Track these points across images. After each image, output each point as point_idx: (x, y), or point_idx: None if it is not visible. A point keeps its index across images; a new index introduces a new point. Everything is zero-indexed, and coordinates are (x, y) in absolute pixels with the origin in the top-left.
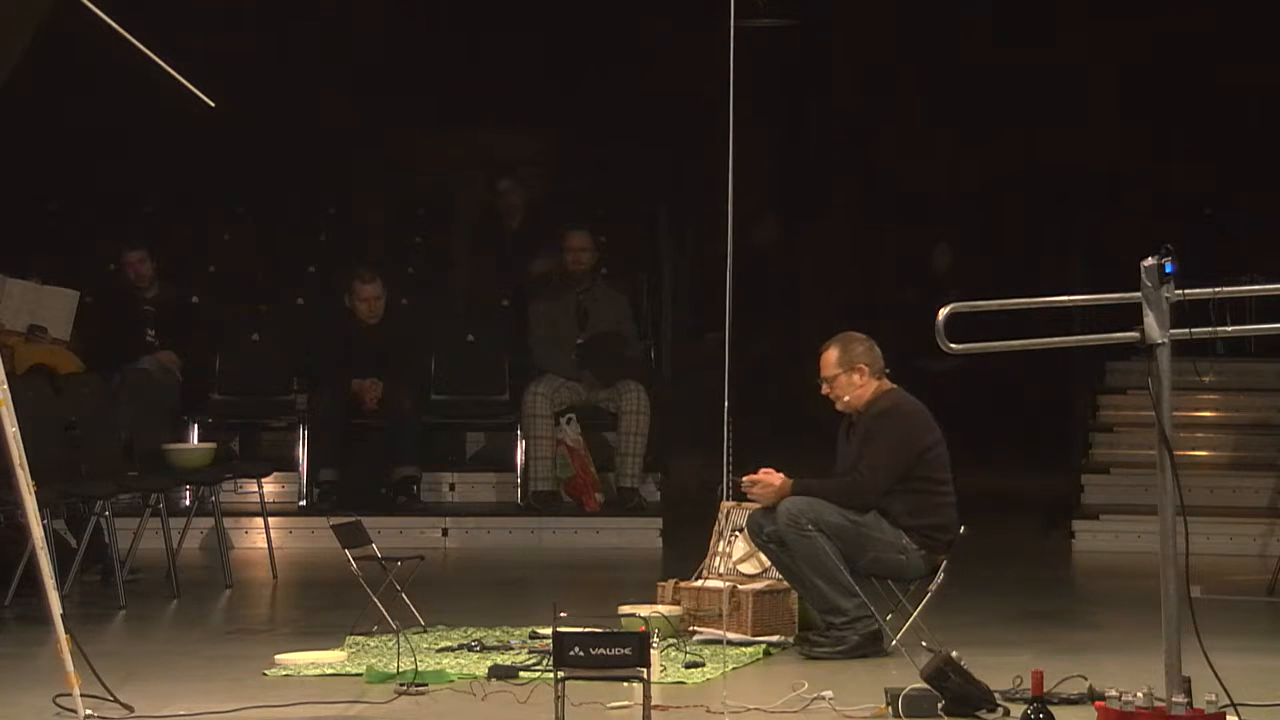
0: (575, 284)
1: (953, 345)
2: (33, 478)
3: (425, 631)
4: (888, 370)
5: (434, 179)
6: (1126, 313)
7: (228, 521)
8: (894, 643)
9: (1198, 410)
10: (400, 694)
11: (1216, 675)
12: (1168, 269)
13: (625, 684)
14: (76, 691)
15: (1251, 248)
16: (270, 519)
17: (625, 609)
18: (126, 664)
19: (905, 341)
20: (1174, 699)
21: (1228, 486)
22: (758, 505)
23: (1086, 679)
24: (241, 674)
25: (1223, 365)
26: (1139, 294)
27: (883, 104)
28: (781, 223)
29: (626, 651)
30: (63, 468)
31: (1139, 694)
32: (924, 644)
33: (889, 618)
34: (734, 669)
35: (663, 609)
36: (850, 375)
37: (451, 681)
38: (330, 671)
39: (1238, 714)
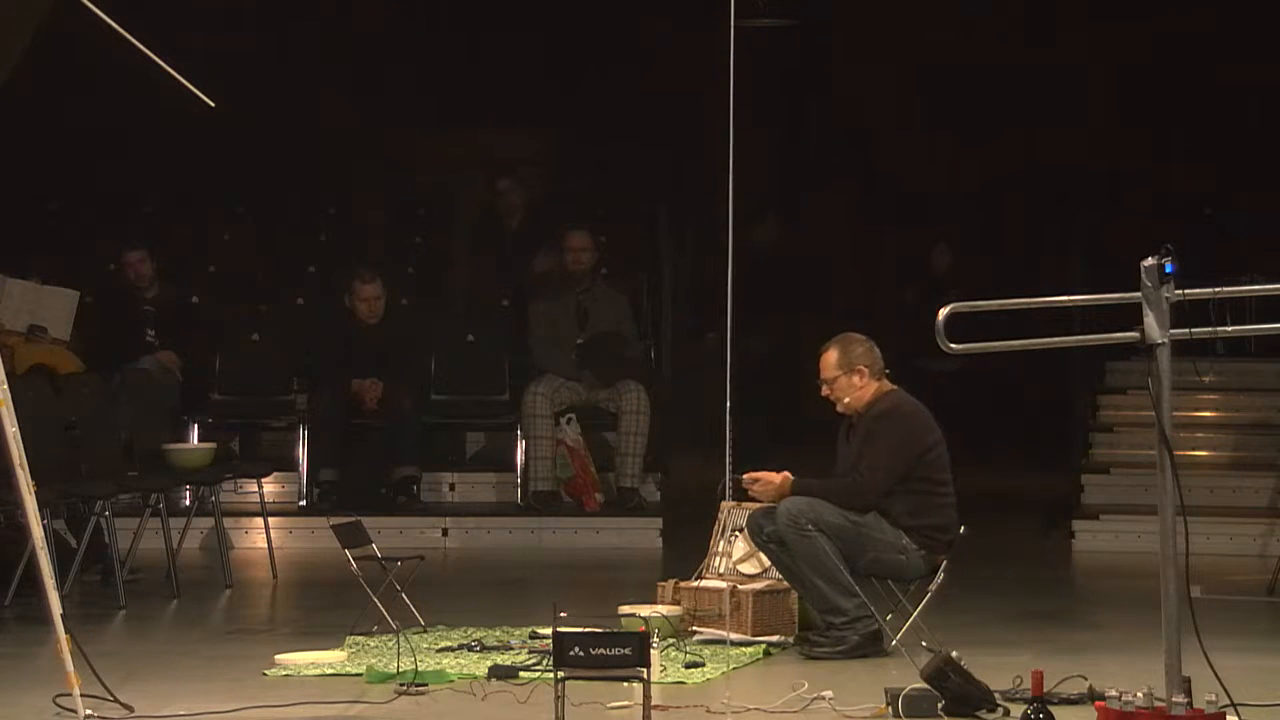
0: (575, 284)
1: (953, 345)
2: (33, 478)
3: (425, 631)
4: (887, 371)
5: (434, 179)
6: (1126, 313)
7: (228, 521)
8: (894, 643)
9: (1198, 410)
10: (400, 694)
11: (1216, 675)
12: (1168, 269)
13: (625, 684)
14: (76, 691)
15: (1251, 248)
16: (270, 519)
17: (625, 609)
18: (126, 664)
19: (905, 342)
20: (1174, 699)
21: (1228, 486)
22: (758, 505)
23: (1086, 679)
24: (241, 674)
25: (1223, 365)
26: (1139, 294)
27: (882, 104)
28: (780, 224)
29: (626, 651)
30: (63, 468)
31: (1139, 694)
32: (924, 644)
33: (889, 618)
34: (734, 669)
35: (663, 609)
36: (850, 377)
37: (451, 681)
38: (330, 671)
39: (1238, 714)
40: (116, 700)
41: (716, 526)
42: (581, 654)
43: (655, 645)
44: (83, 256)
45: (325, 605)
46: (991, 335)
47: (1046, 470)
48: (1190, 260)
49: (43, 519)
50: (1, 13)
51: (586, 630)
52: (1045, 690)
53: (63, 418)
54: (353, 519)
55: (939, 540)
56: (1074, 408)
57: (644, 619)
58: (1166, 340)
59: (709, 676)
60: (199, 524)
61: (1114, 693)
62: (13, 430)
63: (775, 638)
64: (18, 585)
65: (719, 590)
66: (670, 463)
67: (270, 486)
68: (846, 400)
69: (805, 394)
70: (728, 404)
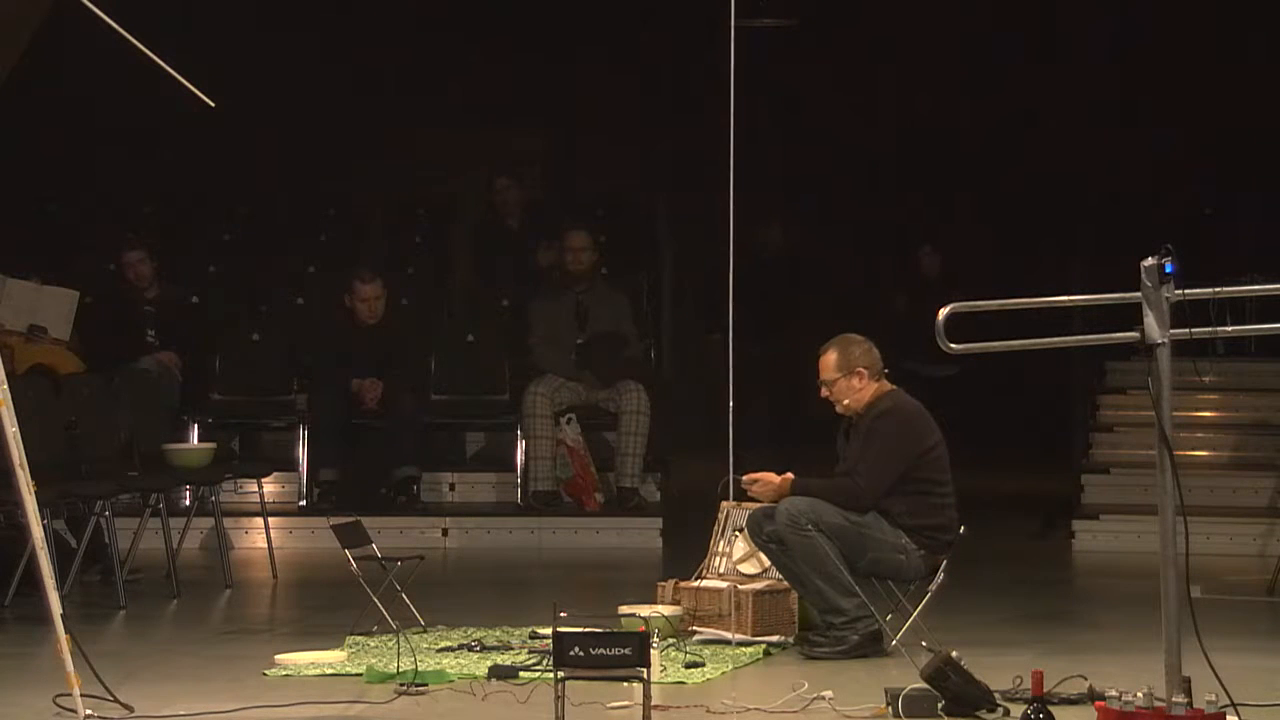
0: (575, 284)
1: (953, 345)
2: (33, 478)
3: (425, 631)
4: (886, 371)
5: (434, 179)
6: (1126, 313)
7: (228, 521)
8: (894, 643)
9: (1198, 410)
10: (400, 694)
11: (1216, 675)
12: (1168, 269)
13: (625, 684)
14: (76, 691)
15: (1251, 248)
16: (270, 519)
17: (625, 609)
18: (126, 664)
19: (905, 346)
20: (1174, 699)
21: (1228, 486)
22: (758, 505)
23: (1086, 679)
24: (241, 674)
25: (1223, 365)
26: (1139, 294)
27: (882, 103)
28: (785, 228)
29: (626, 651)
30: (63, 468)
31: (1139, 694)
32: (924, 644)
33: (889, 618)
34: (734, 669)
35: (663, 609)
36: (850, 379)
37: (451, 681)
38: (330, 671)
39: (1238, 714)
40: (116, 700)
41: (716, 526)
42: (581, 654)
43: (655, 645)
44: (83, 256)
45: (325, 605)
46: (991, 335)
47: (1046, 470)
48: (1190, 260)
49: (43, 519)
50: (1, 13)
51: (586, 630)
52: (1045, 690)
53: (63, 418)
54: (353, 519)
55: (939, 540)
56: (1074, 408)
57: (644, 619)
58: (1166, 340)
59: (709, 676)
60: (199, 524)
61: (1114, 693)
62: (13, 430)
63: (775, 638)
64: (18, 585)
65: (719, 590)
66: (670, 463)
67: (270, 486)
68: (846, 402)
69: (806, 395)
70: (730, 404)
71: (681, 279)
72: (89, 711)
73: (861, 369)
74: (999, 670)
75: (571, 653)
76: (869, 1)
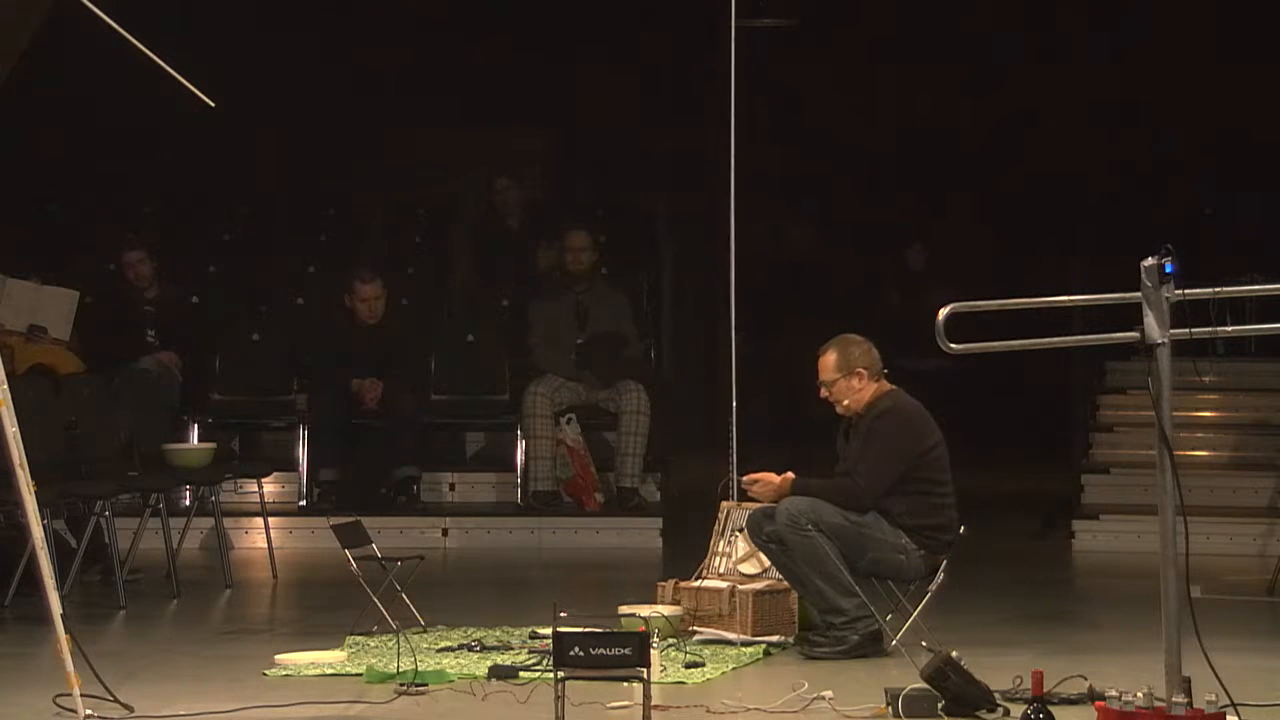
0: (575, 284)
1: (953, 345)
2: (33, 478)
3: (425, 631)
4: (885, 370)
5: (434, 179)
6: (1126, 313)
7: (228, 521)
8: (894, 643)
9: (1198, 410)
10: (400, 694)
11: (1216, 675)
12: (1168, 269)
13: (625, 684)
14: (76, 691)
15: (1251, 248)
16: (270, 519)
17: (625, 609)
18: (126, 664)
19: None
20: (1174, 699)
21: (1228, 486)
22: (758, 505)
23: (1086, 679)
24: (241, 674)
25: (1223, 365)
26: (1139, 294)
27: (882, 103)
28: (787, 228)
29: (626, 651)
30: (63, 468)
31: (1139, 694)
32: (924, 644)
33: (889, 618)
34: (734, 669)
35: (663, 609)
36: (849, 380)
37: (451, 681)
38: (330, 671)
39: (1238, 714)
40: (116, 700)
41: (717, 526)
42: (581, 654)
43: (655, 645)
44: (83, 256)
45: (325, 605)
46: (991, 335)
47: (1046, 470)
48: (1190, 260)
49: (43, 519)
50: (1, 13)
51: (586, 630)
52: (1045, 690)
53: (63, 418)
54: (353, 519)
55: (939, 540)
56: (1074, 408)
57: (644, 619)
58: (1166, 340)
59: (709, 676)
60: (199, 524)
61: (1114, 693)
62: (13, 430)
63: (775, 638)
64: (18, 585)
65: (719, 590)
66: (670, 463)
67: (270, 486)
68: (846, 402)
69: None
70: (733, 404)
71: (681, 279)
72: (89, 711)
73: (861, 369)
74: (999, 670)
75: (571, 653)
76: (869, 1)
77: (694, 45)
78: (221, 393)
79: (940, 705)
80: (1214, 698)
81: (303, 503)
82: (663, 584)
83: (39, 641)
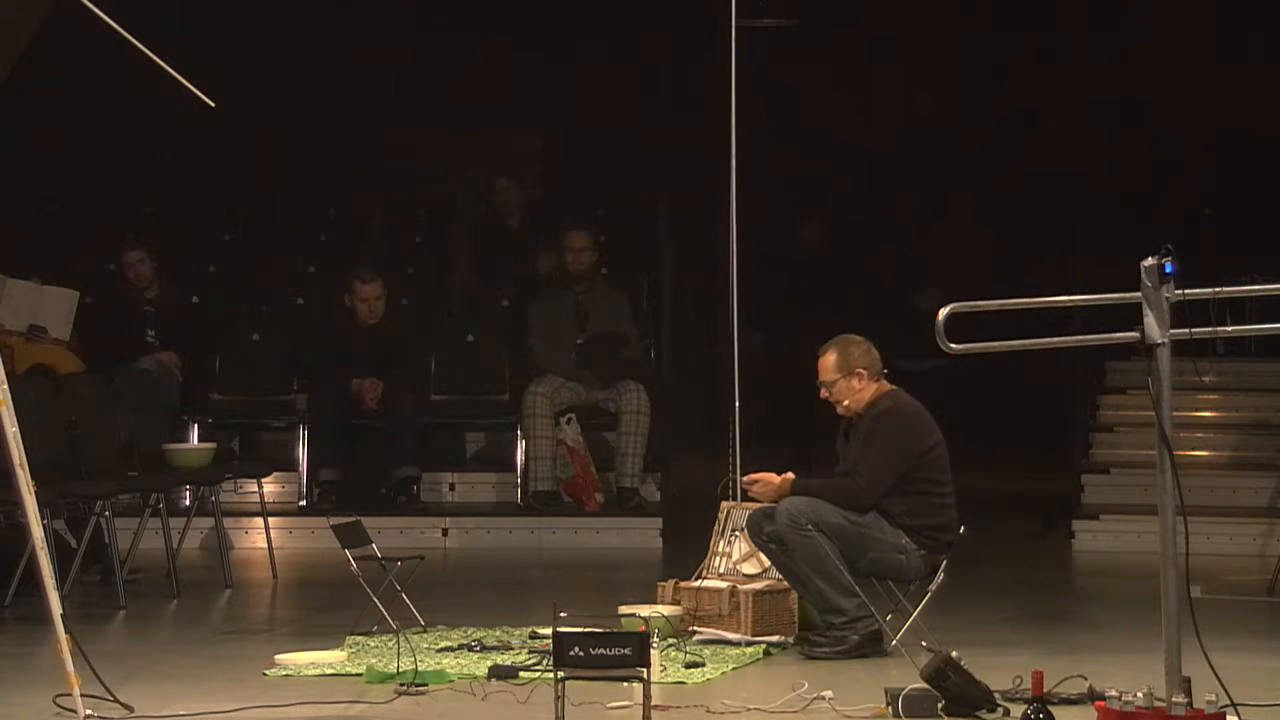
0: (575, 284)
1: (953, 345)
2: (33, 478)
3: (425, 631)
4: (885, 370)
5: (434, 179)
6: (1126, 313)
7: (228, 521)
8: (894, 643)
9: (1198, 410)
10: (400, 694)
11: (1216, 675)
12: (1168, 269)
13: (625, 684)
14: (76, 691)
15: (1251, 248)
16: (270, 519)
17: (625, 609)
18: (126, 664)
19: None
20: (1174, 699)
21: (1228, 486)
22: (758, 505)
23: (1086, 679)
24: (241, 674)
25: (1223, 365)
26: (1139, 294)
27: (882, 103)
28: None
29: (626, 651)
30: (63, 468)
31: (1139, 694)
32: (924, 644)
33: (889, 618)
34: (734, 669)
35: (663, 609)
36: (849, 380)
37: (451, 681)
38: (330, 671)
39: (1238, 714)
40: (116, 700)
41: (716, 526)
42: (581, 654)
43: (655, 645)
44: (83, 256)
45: (325, 605)
46: (992, 335)
47: (1046, 470)
48: (1190, 260)
49: (43, 519)
50: (1, 13)
51: (586, 630)
52: (1045, 690)
53: (63, 418)
54: (353, 519)
55: (939, 540)
56: (1074, 408)
57: (644, 619)
58: (1166, 340)
59: (709, 676)
60: (199, 524)
61: (1114, 693)
62: (13, 430)
63: (775, 638)
64: (18, 585)
65: (719, 590)
66: (670, 463)
67: (270, 486)
68: (846, 403)
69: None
70: (738, 404)
71: (681, 279)
72: (89, 711)
73: (861, 369)
74: (999, 670)
75: (571, 653)
76: (869, 1)
77: (694, 45)
78: (221, 393)
79: (940, 705)
80: (1214, 698)
81: (303, 503)
82: (663, 584)
83: (39, 641)
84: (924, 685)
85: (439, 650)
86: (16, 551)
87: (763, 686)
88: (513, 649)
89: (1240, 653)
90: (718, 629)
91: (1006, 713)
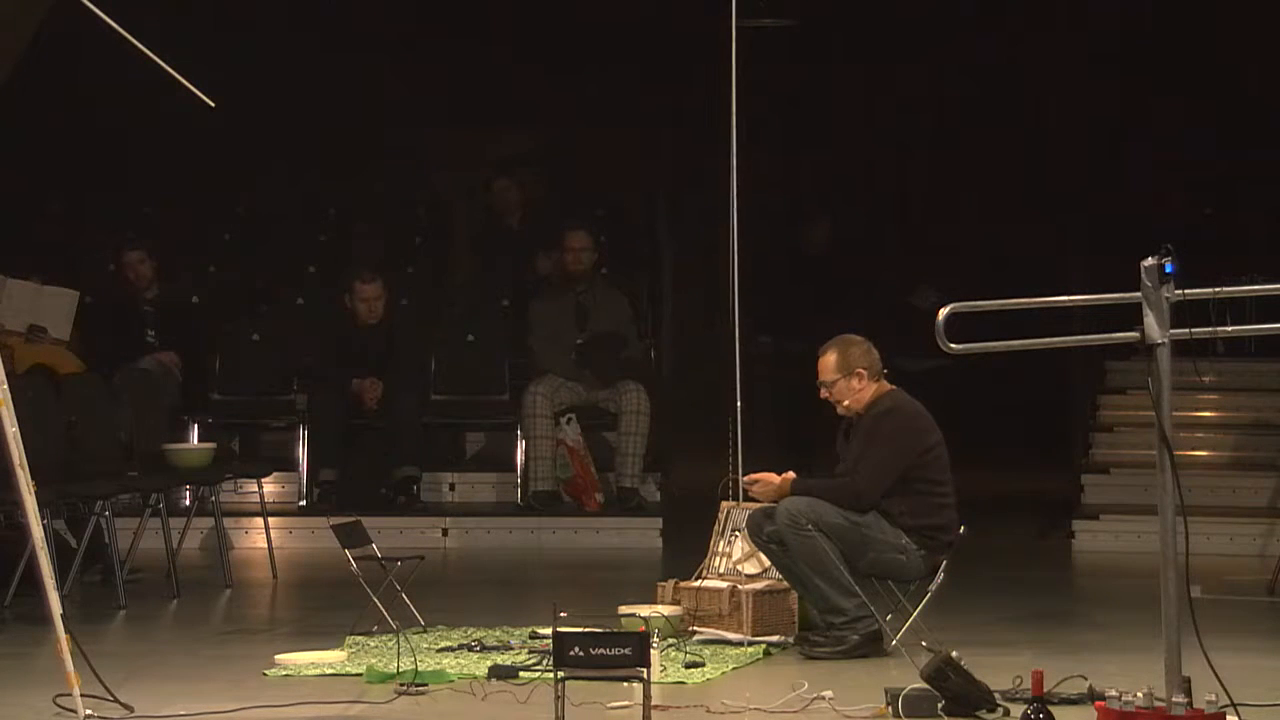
0: (575, 284)
1: (953, 345)
2: (33, 478)
3: (425, 631)
4: (885, 370)
5: (434, 178)
6: (1126, 313)
7: (228, 521)
8: (894, 643)
9: (1198, 410)
10: (400, 694)
11: (1216, 675)
12: (1168, 269)
13: (625, 684)
14: (76, 691)
15: (1252, 248)
16: (270, 519)
17: (625, 609)
18: (126, 664)
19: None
20: (1174, 699)
21: (1228, 486)
22: (758, 505)
23: (1086, 679)
24: (241, 674)
25: (1223, 365)
26: (1139, 294)
27: (882, 103)
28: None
29: (626, 651)
30: (63, 468)
31: (1139, 694)
32: (924, 644)
33: (889, 618)
34: (734, 669)
35: (663, 609)
36: (849, 380)
37: (451, 681)
38: (330, 671)
39: (1238, 714)
40: (116, 700)
41: (716, 526)
42: (581, 654)
43: (655, 645)
44: (83, 256)
45: (325, 605)
46: (991, 335)
47: (1046, 470)
48: (1190, 260)
49: (43, 519)
50: (1, 13)
51: (586, 630)
52: (1045, 690)
53: (63, 418)
54: (353, 519)
55: (939, 540)
56: (1074, 408)
57: (644, 619)
58: (1166, 340)
59: (709, 676)
60: (199, 524)
61: (1114, 693)
62: (13, 430)
63: (775, 638)
64: (18, 585)
65: (719, 590)
66: (670, 463)
67: (270, 486)
68: (846, 403)
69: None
70: (738, 404)
71: (682, 279)
72: (89, 711)
73: (861, 369)
74: (999, 670)
75: (571, 653)
76: (869, 1)
77: (694, 45)
78: (221, 393)
79: (940, 705)
80: (1214, 698)
81: (303, 503)
82: (663, 584)
83: (39, 641)
84: (924, 685)
85: (439, 650)
86: (16, 551)
87: (763, 686)
88: (513, 649)
89: (1240, 653)
90: (718, 629)
91: (1006, 713)
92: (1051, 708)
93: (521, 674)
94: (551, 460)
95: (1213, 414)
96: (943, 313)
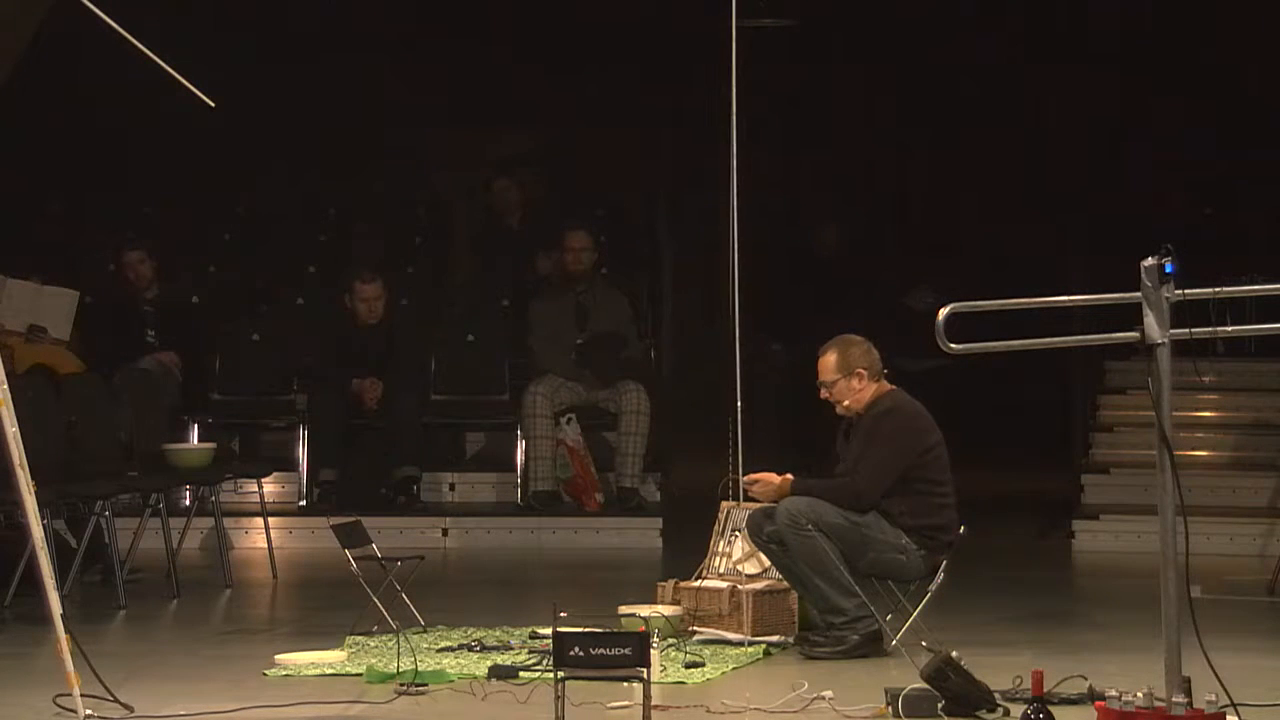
0: (575, 284)
1: (953, 345)
2: (33, 478)
3: (425, 631)
4: (885, 370)
5: (434, 178)
6: (1126, 313)
7: (228, 521)
8: (894, 643)
9: (1198, 410)
10: (400, 694)
11: (1216, 675)
12: (1168, 269)
13: (625, 684)
14: (76, 691)
15: (1252, 248)
16: (270, 519)
17: (625, 609)
18: (126, 664)
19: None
20: (1174, 699)
21: (1228, 486)
22: (758, 505)
23: (1086, 679)
24: (241, 674)
25: (1223, 365)
26: (1139, 294)
27: (881, 103)
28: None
29: (626, 651)
30: (63, 468)
31: (1139, 694)
32: (924, 644)
33: (889, 618)
34: (734, 669)
35: (663, 609)
36: (849, 380)
37: (451, 681)
38: (330, 671)
39: (1238, 714)
40: (116, 700)
41: (716, 526)
42: (581, 654)
43: (655, 645)
44: (83, 256)
45: (325, 605)
46: (991, 335)
47: (1046, 470)
48: (1190, 260)
49: (43, 519)
50: (1, 13)
51: (586, 630)
52: (1045, 690)
53: (63, 418)
54: (353, 519)
55: (939, 540)
56: (1074, 408)
57: (644, 619)
58: (1166, 340)
59: (709, 676)
60: (199, 524)
61: (1114, 693)
62: (13, 430)
63: (775, 638)
64: (18, 585)
65: (719, 590)
66: (670, 463)
67: (270, 486)
68: (846, 403)
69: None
70: (740, 404)
71: (682, 279)
72: (89, 711)
73: (861, 369)
74: (999, 670)
75: (571, 653)
76: (869, 2)
77: (694, 45)
78: (221, 393)
79: (940, 705)
80: (1214, 698)
81: (303, 503)
82: (663, 584)
83: (39, 641)
84: (924, 685)
85: (439, 650)
86: (16, 551)
87: (763, 686)
88: (513, 649)
89: (1240, 653)
90: (718, 629)
91: (1006, 713)
92: (1051, 708)
93: (521, 674)
94: (551, 460)
95: (1213, 414)
96: (943, 313)
